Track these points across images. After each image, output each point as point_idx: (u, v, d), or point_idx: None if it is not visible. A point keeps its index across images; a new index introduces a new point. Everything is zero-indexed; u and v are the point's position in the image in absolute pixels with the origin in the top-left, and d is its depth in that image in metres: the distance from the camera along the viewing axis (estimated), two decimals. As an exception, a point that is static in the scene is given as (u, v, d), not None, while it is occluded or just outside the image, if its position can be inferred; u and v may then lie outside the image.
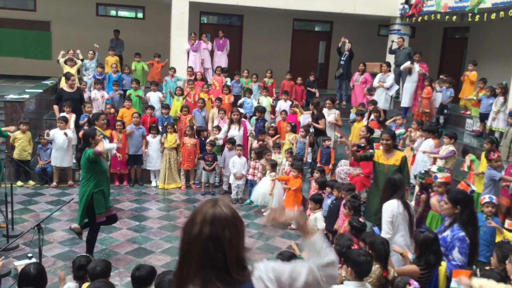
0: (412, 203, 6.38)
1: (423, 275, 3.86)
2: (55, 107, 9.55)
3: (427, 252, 3.86)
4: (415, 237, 4.05)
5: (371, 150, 6.50)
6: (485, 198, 5.34)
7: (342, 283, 3.53)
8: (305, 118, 9.53)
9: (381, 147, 6.21)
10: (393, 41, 13.19)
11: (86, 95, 10.32)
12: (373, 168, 6.29)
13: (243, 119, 9.61)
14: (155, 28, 14.39)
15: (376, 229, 4.91)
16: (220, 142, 9.49)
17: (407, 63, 11.10)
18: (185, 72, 12.02)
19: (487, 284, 2.91)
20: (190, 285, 1.72)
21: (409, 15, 13.07)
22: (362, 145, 6.34)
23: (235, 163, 8.90)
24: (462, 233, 4.01)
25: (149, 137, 9.40)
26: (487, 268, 3.86)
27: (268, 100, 11.17)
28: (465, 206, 4.19)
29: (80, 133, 8.52)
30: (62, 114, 9.24)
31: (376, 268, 3.77)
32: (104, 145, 5.98)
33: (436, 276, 4.07)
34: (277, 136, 9.64)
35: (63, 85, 9.99)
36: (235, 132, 9.31)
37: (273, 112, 11.24)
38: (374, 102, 10.22)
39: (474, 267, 4.02)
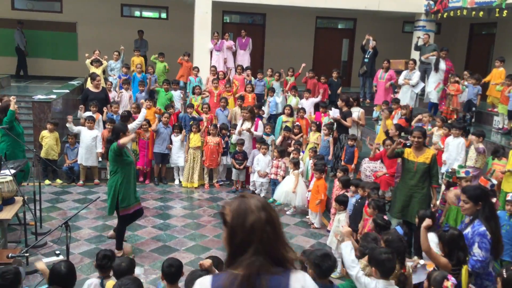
0: (438, 202, 6.31)
1: (454, 271, 3.80)
2: (81, 107, 9.65)
3: (455, 249, 3.80)
4: (440, 237, 3.99)
5: (401, 146, 6.40)
6: (508, 196, 5.21)
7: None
8: (334, 113, 9.45)
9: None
10: (419, 37, 12.98)
11: (111, 95, 10.48)
12: (402, 165, 6.22)
13: (257, 117, 9.60)
14: (178, 28, 14.53)
15: (399, 228, 4.85)
16: (234, 138, 9.55)
17: (433, 59, 10.91)
18: (208, 72, 12.11)
19: None
20: (236, 268, 1.80)
21: (435, 11, 12.84)
22: (408, 143, 6.24)
23: (260, 161, 8.93)
24: (483, 228, 3.94)
25: (172, 136, 9.49)
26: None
27: (297, 99, 11.13)
28: (485, 201, 4.12)
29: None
30: (88, 114, 9.41)
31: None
32: (131, 125, 6.07)
33: None
34: (301, 134, 9.62)
35: (89, 85, 10.18)
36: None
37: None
38: (397, 101, 10.12)
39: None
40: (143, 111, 8.29)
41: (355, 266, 3.50)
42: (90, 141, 9.07)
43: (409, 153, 6.03)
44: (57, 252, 5.20)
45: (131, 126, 6.71)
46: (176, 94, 10.93)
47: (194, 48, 12.82)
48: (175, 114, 10.04)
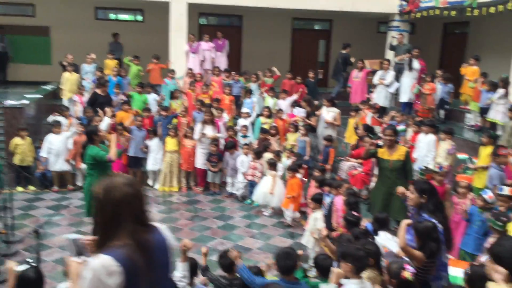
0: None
1: (428, 263, 3.84)
2: (101, 112, 9.25)
3: (428, 240, 3.84)
4: (414, 227, 4.04)
5: (374, 148, 6.48)
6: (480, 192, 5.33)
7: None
8: (298, 112, 9.73)
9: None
10: (393, 37, 13.13)
11: (84, 99, 10.34)
12: (377, 165, 6.30)
13: (216, 119, 9.54)
14: (154, 31, 14.39)
15: (369, 225, 4.89)
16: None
17: (406, 59, 11.05)
18: (185, 74, 12.05)
19: None
20: (116, 241, 2.05)
21: (407, 12, 13.01)
22: (380, 143, 6.32)
23: (244, 163, 8.90)
24: (433, 221, 4.01)
25: (147, 140, 9.39)
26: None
27: (274, 101, 11.15)
28: (430, 195, 4.27)
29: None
30: (58, 119, 9.35)
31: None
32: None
33: None
34: (278, 137, 9.63)
35: (97, 89, 10.20)
36: (209, 132, 9.25)
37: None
38: (368, 101, 10.32)
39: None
40: (106, 120, 8.28)
41: None
42: (58, 145, 8.91)
43: (382, 153, 6.11)
44: (29, 260, 5.09)
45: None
46: (151, 98, 10.83)
47: (170, 50, 12.73)
48: (150, 118, 9.93)
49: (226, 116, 10.35)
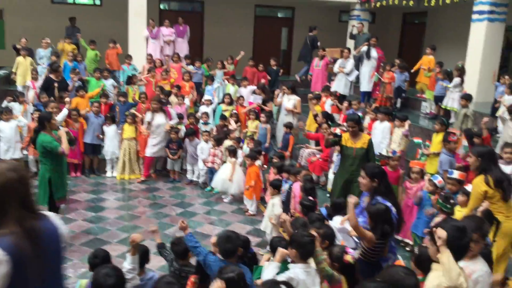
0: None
1: (379, 245, 3.93)
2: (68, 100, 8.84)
3: (380, 222, 3.94)
4: (367, 209, 4.14)
5: (333, 136, 6.51)
6: (429, 176, 5.50)
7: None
8: (254, 99, 10.05)
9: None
10: (353, 26, 13.29)
11: (37, 84, 9.99)
12: (340, 152, 6.35)
13: (166, 106, 9.29)
14: (112, 15, 14.03)
15: (323, 210, 4.97)
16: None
17: (364, 48, 11.20)
18: (145, 60, 11.84)
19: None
20: (2, 228, 2.00)
21: (366, 1, 13.18)
22: (339, 134, 6.34)
23: (203, 150, 8.84)
24: (388, 203, 4.13)
25: (104, 126, 9.18)
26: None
27: (235, 88, 11.10)
28: (381, 178, 4.39)
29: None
30: (8, 104, 9.01)
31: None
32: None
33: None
34: (238, 124, 9.61)
35: (51, 74, 9.79)
36: (161, 119, 8.93)
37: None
38: (328, 88, 10.42)
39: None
40: (64, 110, 8.02)
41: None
42: (9, 133, 8.53)
43: (346, 140, 6.13)
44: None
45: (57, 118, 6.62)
46: (108, 83, 10.58)
47: (129, 36, 12.46)
48: (108, 104, 9.70)
49: (187, 102, 10.26)
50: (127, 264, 3.40)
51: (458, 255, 2.79)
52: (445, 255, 2.61)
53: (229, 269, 3.16)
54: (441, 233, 2.72)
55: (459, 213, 4.73)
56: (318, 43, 12.78)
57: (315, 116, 8.81)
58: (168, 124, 8.97)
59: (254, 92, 10.64)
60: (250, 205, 7.83)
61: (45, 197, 6.05)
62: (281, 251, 3.53)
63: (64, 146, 5.92)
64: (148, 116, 8.92)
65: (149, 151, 9.00)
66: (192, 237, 3.88)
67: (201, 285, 3.78)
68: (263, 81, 11.65)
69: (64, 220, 6.89)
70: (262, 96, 10.34)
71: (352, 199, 3.98)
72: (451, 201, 4.89)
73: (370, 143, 6.08)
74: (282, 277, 3.28)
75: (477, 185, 4.51)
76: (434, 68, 10.46)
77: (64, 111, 8.02)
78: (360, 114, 8.78)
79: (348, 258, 3.63)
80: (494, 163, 4.66)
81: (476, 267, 3.11)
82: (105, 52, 12.18)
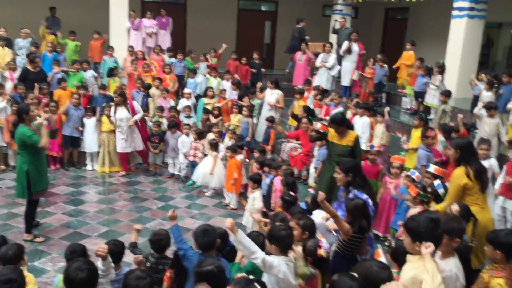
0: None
1: (355, 238, 3.98)
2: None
3: (358, 217, 3.99)
4: (346, 204, 4.19)
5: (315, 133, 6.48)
6: (409, 172, 5.57)
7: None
8: (230, 94, 10.22)
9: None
10: (336, 21, 13.32)
11: (15, 75, 9.80)
12: (327, 147, 6.35)
13: (130, 99, 9.13)
14: (94, 6, 13.80)
15: (303, 204, 5.01)
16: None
17: (345, 44, 11.23)
18: (126, 52, 11.71)
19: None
20: None
21: (349, -5, 13.23)
22: (321, 131, 6.29)
23: (185, 143, 8.79)
24: (365, 196, 4.20)
25: (84, 119, 9.07)
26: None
27: (218, 81, 11.06)
28: (355, 172, 4.53)
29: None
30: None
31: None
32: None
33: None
34: (220, 118, 9.59)
35: (28, 65, 9.61)
36: (124, 113, 8.67)
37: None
38: (309, 82, 10.44)
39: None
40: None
41: (256, 252, 3.39)
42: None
43: (332, 136, 6.09)
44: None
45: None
46: (88, 75, 10.44)
47: (110, 27, 12.30)
48: (88, 96, 9.58)
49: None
50: (100, 265, 3.36)
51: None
52: (429, 265, 2.64)
53: (209, 262, 3.18)
54: (430, 245, 2.73)
55: (437, 207, 4.78)
56: (307, 36, 12.77)
57: (293, 115, 8.89)
58: (132, 120, 8.70)
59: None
60: (230, 199, 7.85)
61: (24, 190, 5.96)
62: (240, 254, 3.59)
63: (44, 140, 5.85)
64: (112, 110, 8.73)
65: (119, 146, 8.85)
66: (177, 229, 3.92)
67: (177, 278, 3.79)
68: (237, 76, 11.57)
69: (43, 213, 6.83)
70: (237, 92, 10.30)
71: (320, 196, 3.98)
72: (428, 189, 4.96)
73: (356, 141, 5.97)
74: (268, 259, 3.30)
75: (458, 177, 4.48)
76: (414, 64, 10.57)
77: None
78: (341, 108, 8.85)
79: (321, 252, 3.68)
80: (473, 155, 4.69)
81: (446, 267, 3.15)
82: (88, 44, 11.98)
